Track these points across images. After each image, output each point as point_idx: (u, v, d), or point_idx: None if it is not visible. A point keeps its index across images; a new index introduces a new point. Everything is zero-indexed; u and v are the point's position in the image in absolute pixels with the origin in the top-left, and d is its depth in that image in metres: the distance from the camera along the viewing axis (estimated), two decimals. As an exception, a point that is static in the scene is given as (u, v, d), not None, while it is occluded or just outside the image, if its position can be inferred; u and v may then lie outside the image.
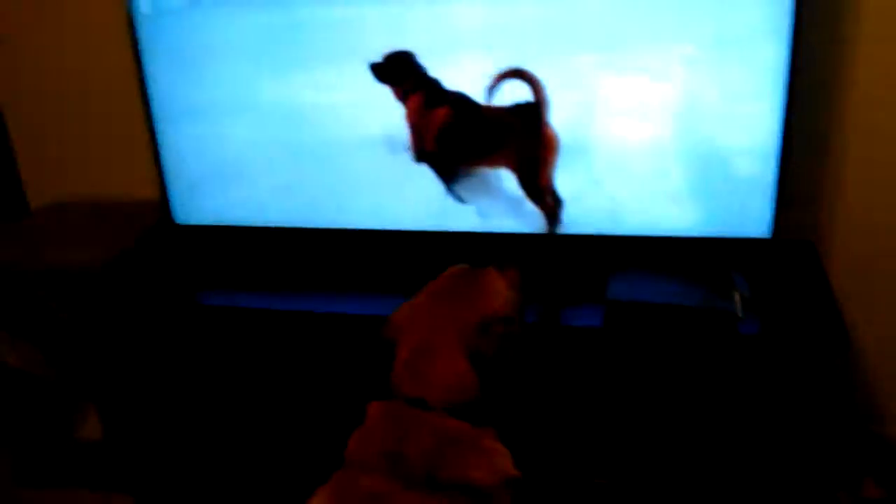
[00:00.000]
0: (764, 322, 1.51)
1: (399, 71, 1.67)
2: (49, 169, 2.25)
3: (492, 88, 1.61)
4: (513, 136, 1.66)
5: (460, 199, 1.75)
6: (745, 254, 1.64)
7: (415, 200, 1.76)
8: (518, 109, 1.63)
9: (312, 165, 1.78)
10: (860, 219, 1.77)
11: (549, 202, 1.68)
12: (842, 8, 1.62)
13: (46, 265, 1.81)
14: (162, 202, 1.91)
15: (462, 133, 1.69)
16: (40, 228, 2.05)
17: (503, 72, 1.60)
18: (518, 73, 1.60)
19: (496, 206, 1.74)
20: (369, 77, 1.68)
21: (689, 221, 1.63)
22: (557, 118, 1.62)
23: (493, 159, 1.71)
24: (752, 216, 1.60)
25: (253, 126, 1.79)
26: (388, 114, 1.71)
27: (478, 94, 1.64)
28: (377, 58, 1.66)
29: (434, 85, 1.67)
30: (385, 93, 1.69)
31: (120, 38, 1.93)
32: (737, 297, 1.53)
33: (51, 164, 2.25)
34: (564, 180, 1.67)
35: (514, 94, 1.62)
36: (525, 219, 1.71)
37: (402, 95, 1.69)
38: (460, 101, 1.67)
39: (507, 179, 1.71)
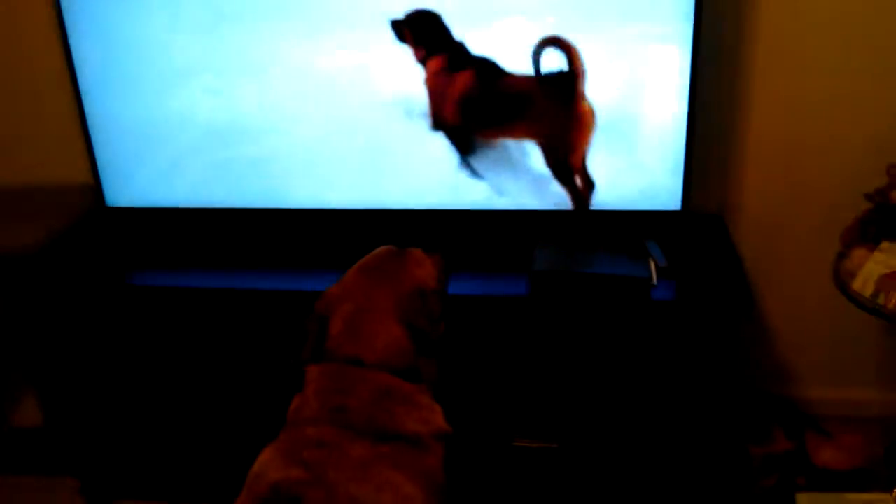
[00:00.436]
0: (677, 288, 1.63)
1: (422, 31, 1.59)
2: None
3: (536, 56, 1.55)
4: (541, 108, 1.58)
5: (475, 173, 1.70)
6: (660, 226, 1.75)
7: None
8: (550, 79, 1.55)
9: (242, 145, 1.82)
10: (763, 193, 1.91)
11: (578, 184, 1.64)
12: None
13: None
14: (95, 186, 1.92)
15: (485, 100, 1.61)
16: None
17: (542, 40, 1.54)
18: (554, 42, 1.55)
19: (516, 183, 1.69)
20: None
21: (608, 194, 1.74)
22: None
23: (518, 130, 1.64)
24: (665, 190, 1.72)
25: (184, 104, 1.81)
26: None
27: (505, 60, 1.58)
28: (398, 15, 1.59)
29: (458, 48, 1.59)
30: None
31: (46, 15, 1.94)
32: (651, 265, 1.64)
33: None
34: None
35: (548, 62, 1.57)
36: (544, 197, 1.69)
37: (423, 58, 1.61)
38: (485, 66, 1.58)
39: (532, 154, 1.66)
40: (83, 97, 1.86)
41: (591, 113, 1.57)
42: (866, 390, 2.06)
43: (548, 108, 1.58)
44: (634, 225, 1.75)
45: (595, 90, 1.64)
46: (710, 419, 1.70)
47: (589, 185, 1.66)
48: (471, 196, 1.78)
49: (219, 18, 1.72)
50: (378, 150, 1.79)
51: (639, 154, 1.70)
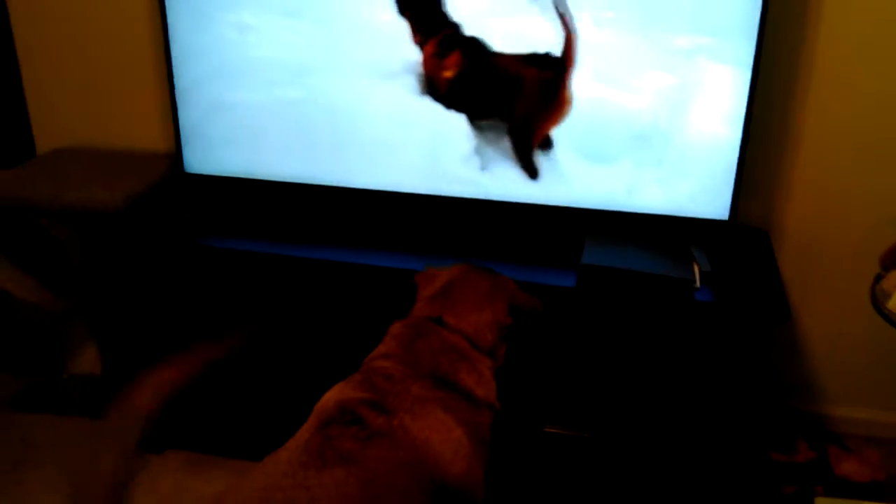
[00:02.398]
0: (718, 293, 1.76)
1: (421, 11, 1.71)
2: (58, 116, 2.41)
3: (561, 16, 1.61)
4: (524, 89, 1.67)
5: (481, 131, 1.79)
6: (706, 233, 1.88)
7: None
8: (536, 59, 1.64)
9: (325, 124, 1.98)
10: (808, 212, 2.03)
11: (536, 162, 1.76)
12: (806, 8, 1.85)
13: (65, 204, 1.99)
14: (176, 153, 2.10)
15: (473, 82, 1.71)
16: (52, 171, 2.21)
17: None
18: (561, 16, 1.63)
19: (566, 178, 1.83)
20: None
21: (659, 200, 1.88)
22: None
23: (504, 110, 1.73)
24: (715, 199, 1.85)
25: (267, 85, 1.98)
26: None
27: (497, 41, 1.70)
28: None
29: (452, 29, 1.71)
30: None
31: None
32: (696, 268, 1.78)
33: (60, 111, 2.41)
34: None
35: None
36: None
37: (421, 40, 1.74)
38: (474, 47, 1.69)
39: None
40: (173, 69, 2.03)
41: (570, 102, 1.64)
42: (894, 413, 2.17)
43: (533, 90, 1.65)
44: (682, 230, 1.89)
45: (650, 96, 1.79)
46: (738, 423, 1.82)
47: (547, 143, 1.74)
48: (525, 190, 1.93)
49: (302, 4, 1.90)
50: (440, 139, 1.94)
51: (692, 162, 1.84)
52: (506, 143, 1.88)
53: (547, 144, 1.81)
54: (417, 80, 1.85)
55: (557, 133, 1.86)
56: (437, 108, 1.89)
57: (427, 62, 1.76)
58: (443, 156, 1.95)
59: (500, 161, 1.92)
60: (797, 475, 1.92)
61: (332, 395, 1.33)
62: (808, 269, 2.06)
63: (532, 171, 1.82)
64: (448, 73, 1.71)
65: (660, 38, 1.75)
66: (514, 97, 1.70)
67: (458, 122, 1.91)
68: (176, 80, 2.04)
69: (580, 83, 1.79)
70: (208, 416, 2.08)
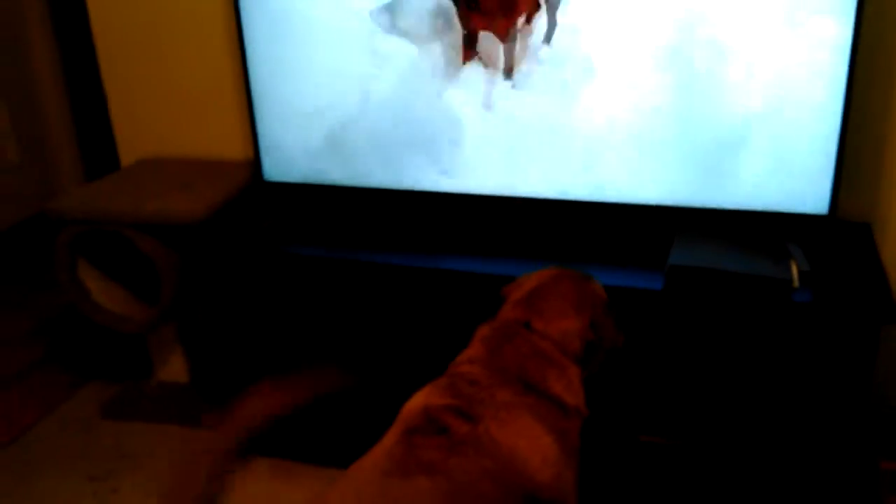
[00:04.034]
0: (818, 293, 1.71)
1: None
2: (141, 128, 2.51)
3: None
4: None
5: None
6: (805, 229, 1.83)
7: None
8: None
9: (401, 128, 2.01)
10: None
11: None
12: None
13: (148, 216, 2.07)
14: (255, 161, 2.16)
15: None
16: (135, 183, 2.31)
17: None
18: None
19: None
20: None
21: (753, 194, 1.83)
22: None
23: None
24: (813, 194, 1.80)
25: (341, 91, 2.02)
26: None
27: None
28: None
29: None
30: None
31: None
32: (793, 267, 1.72)
33: (143, 123, 2.51)
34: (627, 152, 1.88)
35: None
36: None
37: None
38: None
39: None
40: (251, 78, 2.09)
41: None
42: None
43: None
44: (778, 226, 1.84)
45: (744, 83, 1.75)
46: (842, 429, 1.76)
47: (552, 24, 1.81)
48: (610, 190, 1.91)
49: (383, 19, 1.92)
50: (519, 138, 1.94)
51: (787, 154, 1.78)
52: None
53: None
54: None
55: (641, 124, 1.84)
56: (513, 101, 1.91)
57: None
58: (521, 155, 1.95)
59: (576, 162, 1.91)
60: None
61: (417, 401, 1.35)
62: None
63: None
64: None
65: (748, 20, 1.71)
66: None
67: (540, 118, 1.91)
68: (253, 89, 2.10)
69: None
70: (293, 421, 2.14)
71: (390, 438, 1.30)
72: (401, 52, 1.95)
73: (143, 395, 2.46)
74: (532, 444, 1.29)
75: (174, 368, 2.45)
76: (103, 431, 2.37)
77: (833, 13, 1.67)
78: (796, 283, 1.69)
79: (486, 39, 1.90)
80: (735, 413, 1.80)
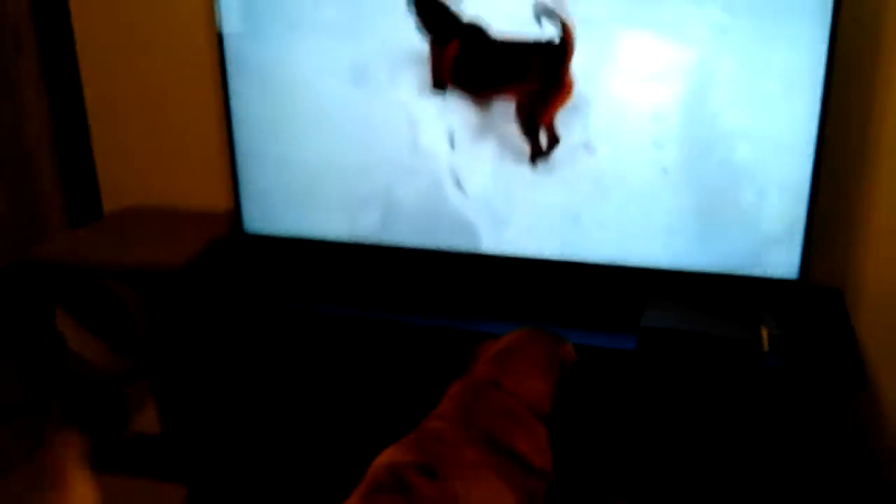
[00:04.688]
0: (786, 357, 1.73)
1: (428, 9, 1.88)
2: (125, 176, 2.55)
3: (538, 20, 1.80)
4: (529, 73, 1.85)
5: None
6: (775, 293, 1.86)
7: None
8: (539, 48, 1.82)
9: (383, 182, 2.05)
10: (888, 268, 1.98)
11: (541, 140, 1.89)
12: (876, 46, 1.84)
13: (126, 265, 2.10)
14: (235, 212, 2.20)
15: (473, 65, 1.89)
16: (116, 231, 2.34)
17: (537, 8, 1.79)
18: (548, 13, 1.79)
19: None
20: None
21: (719, 259, 1.87)
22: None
23: (506, 92, 1.90)
24: (783, 259, 1.83)
25: (327, 143, 2.07)
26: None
27: (496, 25, 1.86)
28: None
29: (451, 19, 1.87)
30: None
31: (204, 53, 2.27)
32: (763, 331, 1.75)
33: (126, 172, 2.55)
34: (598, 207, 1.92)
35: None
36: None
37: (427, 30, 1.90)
38: (472, 34, 1.87)
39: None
40: (234, 131, 2.14)
41: (571, 83, 1.83)
42: None
43: (534, 73, 1.86)
44: (750, 291, 1.87)
45: (717, 153, 1.80)
46: (814, 494, 1.77)
47: (554, 140, 1.90)
48: (583, 250, 1.95)
49: (361, 74, 1.99)
50: (499, 197, 1.99)
51: (757, 220, 1.83)
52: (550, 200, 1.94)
53: (554, 141, 1.91)
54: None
55: (615, 185, 1.89)
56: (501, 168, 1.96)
57: (432, 51, 1.92)
58: (496, 212, 2.00)
59: (551, 222, 1.96)
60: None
61: (384, 458, 1.36)
62: (889, 330, 2.01)
63: (537, 151, 1.92)
64: (449, 58, 1.90)
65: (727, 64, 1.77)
66: (519, 78, 1.89)
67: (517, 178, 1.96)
68: (236, 141, 2.14)
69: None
70: (265, 477, 2.13)
71: (356, 497, 1.31)
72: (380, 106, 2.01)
73: (117, 446, 2.44)
74: None
75: (148, 420, 2.45)
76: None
77: (801, 84, 1.73)
78: (766, 347, 1.72)
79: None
80: (707, 474, 1.81)
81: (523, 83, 1.88)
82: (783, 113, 1.76)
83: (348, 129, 2.04)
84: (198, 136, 2.40)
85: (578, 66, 1.83)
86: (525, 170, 1.94)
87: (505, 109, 1.93)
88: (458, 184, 2.00)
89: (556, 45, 1.82)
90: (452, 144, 1.98)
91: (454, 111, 1.96)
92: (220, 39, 2.07)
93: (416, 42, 1.93)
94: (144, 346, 2.15)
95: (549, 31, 1.83)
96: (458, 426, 1.39)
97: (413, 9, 1.91)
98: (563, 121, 1.89)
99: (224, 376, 2.07)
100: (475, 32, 1.88)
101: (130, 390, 2.43)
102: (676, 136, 1.84)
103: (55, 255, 2.18)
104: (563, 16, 1.79)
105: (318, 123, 2.06)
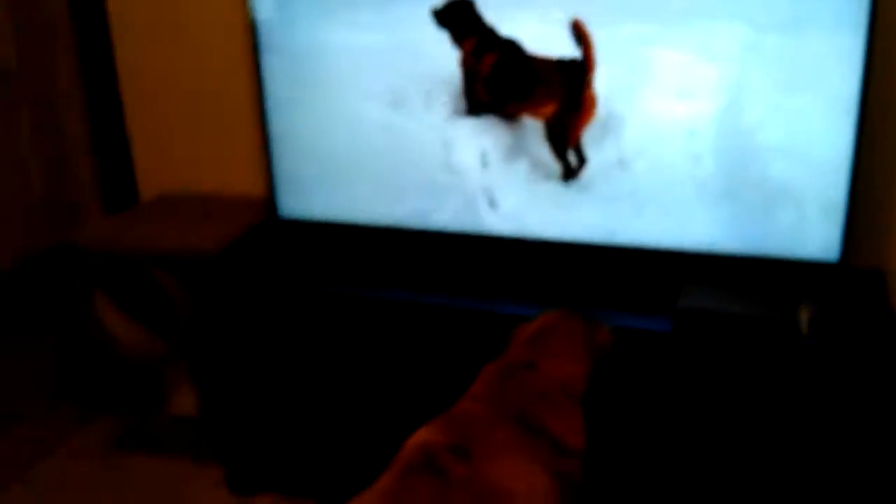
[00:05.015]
0: (826, 340, 1.72)
1: (457, 17, 1.94)
2: (162, 162, 2.59)
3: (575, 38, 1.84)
4: (555, 89, 1.90)
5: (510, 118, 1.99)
6: (814, 276, 1.85)
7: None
8: (565, 65, 1.87)
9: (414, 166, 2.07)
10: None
11: (571, 159, 1.93)
12: None
13: (164, 250, 2.14)
14: (270, 198, 2.22)
15: (508, 78, 1.94)
16: (153, 217, 2.38)
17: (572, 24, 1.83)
18: (576, 28, 1.82)
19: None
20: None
21: (760, 242, 1.86)
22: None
23: (534, 108, 1.96)
24: (821, 240, 1.82)
25: (358, 128, 2.09)
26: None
27: (529, 43, 1.90)
28: (439, 5, 1.94)
29: (488, 31, 1.92)
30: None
31: (237, 40, 2.29)
32: (803, 313, 1.74)
33: (162, 158, 2.59)
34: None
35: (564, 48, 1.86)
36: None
37: (458, 41, 1.95)
38: (509, 48, 1.92)
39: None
40: (268, 116, 2.16)
41: (594, 101, 1.88)
42: None
43: (560, 90, 1.90)
44: (790, 274, 1.86)
45: (757, 132, 1.80)
46: (856, 478, 1.76)
47: (581, 160, 1.94)
48: (621, 234, 1.95)
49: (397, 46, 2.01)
50: (535, 181, 1.99)
51: (798, 202, 1.81)
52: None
53: (581, 161, 1.94)
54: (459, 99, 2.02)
55: (650, 171, 1.88)
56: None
57: (466, 58, 1.97)
58: (530, 196, 2.00)
59: (584, 204, 1.96)
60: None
61: (416, 439, 1.37)
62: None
63: (569, 171, 1.96)
64: (485, 69, 1.96)
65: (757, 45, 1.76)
66: (547, 96, 1.94)
67: (548, 163, 1.97)
68: (271, 126, 2.17)
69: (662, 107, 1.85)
70: (300, 458, 2.17)
71: (389, 476, 1.33)
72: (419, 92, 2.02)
73: (155, 428, 2.50)
74: (527, 487, 1.31)
75: (185, 403, 2.50)
76: (113, 464, 2.41)
77: (840, 58, 1.71)
78: (805, 329, 1.71)
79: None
80: (743, 457, 1.81)
81: (549, 100, 1.93)
82: (821, 92, 1.74)
83: (382, 113, 2.05)
84: (233, 122, 2.43)
85: (606, 84, 1.87)
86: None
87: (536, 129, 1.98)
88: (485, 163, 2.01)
89: (579, 63, 1.86)
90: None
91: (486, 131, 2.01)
92: (253, 24, 2.09)
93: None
94: (182, 329, 2.19)
95: (572, 48, 1.86)
96: (491, 407, 1.40)
97: (439, 22, 1.96)
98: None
99: (261, 359, 2.10)
100: (511, 47, 1.93)
101: (169, 373, 2.48)
102: (710, 122, 1.83)
103: (94, 240, 2.22)
104: (585, 32, 1.83)
105: (351, 108, 2.07)
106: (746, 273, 1.88)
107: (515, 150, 2.00)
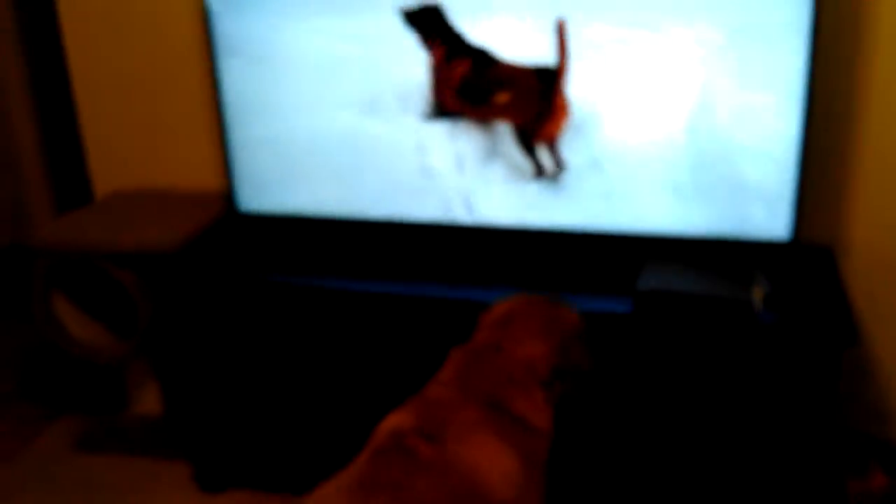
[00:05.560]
0: (780, 315, 1.79)
1: (428, 23, 1.94)
2: (115, 159, 2.56)
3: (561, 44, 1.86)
4: (525, 95, 1.93)
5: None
6: (767, 255, 1.92)
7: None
8: (538, 72, 1.90)
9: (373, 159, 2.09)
10: (879, 225, 2.03)
11: (547, 163, 1.97)
12: (861, 6, 1.87)
13: (121, 247, 2.12)
14: (228, 191, 2.22)
15: (478, 85, 1.96)
16: (110, 214, 2.36)
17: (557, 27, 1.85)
18: (559, 31, 1.85)
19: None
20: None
21: (711, 222, 1.92)
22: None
23: (504, 113, 1.98)
24: (773, 220, 1.89)
25: (317, 120, 2.09)
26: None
27: (500, 50, 1.93)
28: (410, 6, 1.94)
29: (457, 38, 1.93)
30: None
31: (191, 32, 2.28)
32: (756, 290, 1.81)
33: (116, 154, 2.56)
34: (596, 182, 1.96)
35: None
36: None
37: (429, 45, 1.95)
38: (479, 56, 1.94)
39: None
40: (225, 109, 2.16)
41: (566, 106, 1.91)
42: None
43: (531, 96, 1.93)
44: (744, 253, 1.92)
45: (707, 116, 1.85)
46: (808, 450, 1.83)
47: (560, 165, 1.97)
48: (581, 219, 2.00)
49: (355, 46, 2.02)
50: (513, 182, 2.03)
51: (748, 182, 1.87)
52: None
53: (559, 166, 1.98)
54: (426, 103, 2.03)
55: (610, 157, 1.93)
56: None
57: (436, 64, 1.98)
58: (487, 185, 2.04)
59: (544, 191, 2.00)
60: (872, 501, 1.92)
61: (387, 424, 1.42)
62: (881, 287, 2.07)
63: (540, 169, 2.00)
64: (456, 77, 1.97)
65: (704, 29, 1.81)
66: (518, 101, 1.97)
67: (510, 154, 2.00)
68: (227, 120, 2.16)
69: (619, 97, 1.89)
70: (268, 453, 2.18)
71: (360, 460, 1.37)
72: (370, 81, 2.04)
73: (119, 427, 2.49)
74: (493, 463, 1.36)
75: (149, 401, 2.49)
76: (77, 465, 2.39)
77: (787, 42, 1.77)
78: (759, 306, 1.78)
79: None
80: (703, 435, 1.87)
81: (520, 105, 1.96)
82: (770, 73, 1.80)
83: (342, 104, 2.07)
84: (188, 116, 2.41)
85: (580, 88, 1.90)
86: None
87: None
88: (461, 167, 2.04)
89: (551, 69, 1.89)
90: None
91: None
92: (206, 16, 2.08)
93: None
94: (143, 327, 2.18)
95: (543, 54, 1.89)
96: (458, 390, 1.45)
97: (408, 24, 1.96)
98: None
99: (225, 354, 2.10)
100: (481, 55, 1.95)
101: (131, 372, 2.47)
102: (670, 113, 1.89)
103: (48, 240, 2.19)
104: (565, 38, 1.86)
105: (310, 99, 2.08)
106: (703, 254, 1.94)
107: (491, 153, 2.04)
